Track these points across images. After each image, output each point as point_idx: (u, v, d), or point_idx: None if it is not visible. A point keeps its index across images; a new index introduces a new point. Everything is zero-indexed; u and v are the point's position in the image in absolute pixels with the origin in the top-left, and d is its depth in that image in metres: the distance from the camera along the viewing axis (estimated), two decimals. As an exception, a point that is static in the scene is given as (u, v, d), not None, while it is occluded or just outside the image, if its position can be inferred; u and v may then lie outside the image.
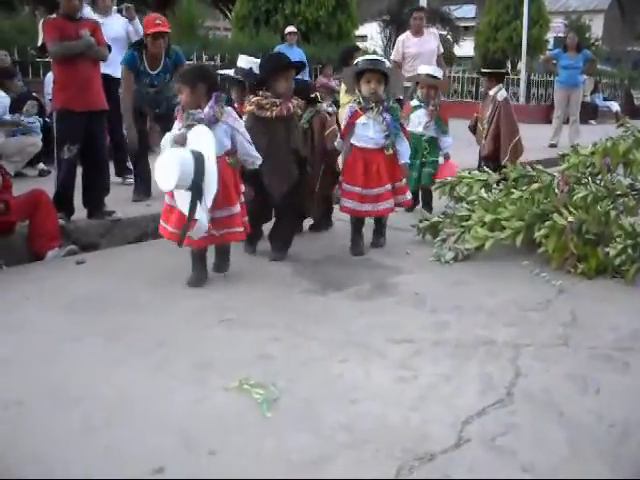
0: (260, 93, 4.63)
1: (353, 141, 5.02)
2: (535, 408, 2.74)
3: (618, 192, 4.86)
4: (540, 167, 5.22)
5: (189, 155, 3.88)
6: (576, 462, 2.37)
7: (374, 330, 3.54)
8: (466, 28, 31.45)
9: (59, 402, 2.73)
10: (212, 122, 4.09)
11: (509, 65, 21.55)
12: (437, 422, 2.60)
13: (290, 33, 11.54)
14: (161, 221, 4.29)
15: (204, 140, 4.00)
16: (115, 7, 7.61)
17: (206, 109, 4.11)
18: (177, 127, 4.22)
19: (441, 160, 6.32)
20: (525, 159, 7.10)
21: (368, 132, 4.95)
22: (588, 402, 2.81)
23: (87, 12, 7.37)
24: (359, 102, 4.98)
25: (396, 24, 25.74)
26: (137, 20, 7.59)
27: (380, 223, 5.35)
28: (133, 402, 2.75)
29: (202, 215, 3.87)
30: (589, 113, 19.22)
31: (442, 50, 9.14)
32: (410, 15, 9.52)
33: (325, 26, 15.12)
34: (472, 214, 5.10)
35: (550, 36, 25.06)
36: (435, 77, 6.37)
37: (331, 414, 2.67)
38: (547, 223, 4.64)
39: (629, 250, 4.48)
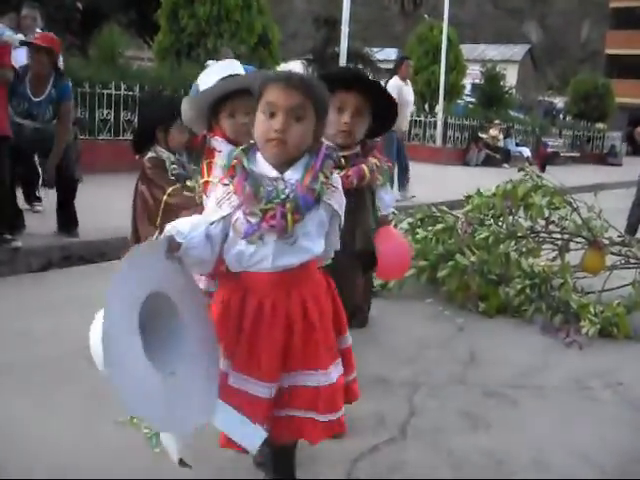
0: None
1: None
2: (426, 446, 2.77)
3: (519, 234, 5.03)
4: (445, 208, 5.35)
5: None
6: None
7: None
8: (388, 70, 32.19)
9: None
10: (308, 203, 1.92)
11: (427, 108, 22.15)
12: (327, 460, 2.59)
13: (211, 67, 11.52)
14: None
15: None
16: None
17: (297, 174, 1.95)
18: (245, 216, 1.92)
19: None
20: (434, 200, 7.26)
21: None
22: (478, 439, 2.87)
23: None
24: None
25: (319, 63, 26.14)
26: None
27: None
28: (21, 437, 2.64)
29: None
30: (503, 157, 20.02)
31: None
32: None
33: (247, 61, 15.17)
34: (378, 253, 5.16)
35: (467, 82, 25.92)
36: None
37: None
38: (450, 263, 4.75)
39: (527, 290, 4.65)
